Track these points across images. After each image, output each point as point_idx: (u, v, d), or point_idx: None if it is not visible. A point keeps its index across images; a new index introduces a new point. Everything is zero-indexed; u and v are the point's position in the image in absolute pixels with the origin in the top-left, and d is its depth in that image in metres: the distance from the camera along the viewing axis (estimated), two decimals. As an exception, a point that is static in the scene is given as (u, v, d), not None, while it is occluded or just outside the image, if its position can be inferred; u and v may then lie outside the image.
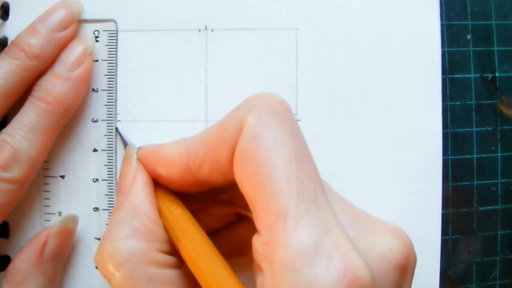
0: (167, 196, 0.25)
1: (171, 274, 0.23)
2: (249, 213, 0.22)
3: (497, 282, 0.30)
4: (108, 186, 0.29)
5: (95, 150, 0.29)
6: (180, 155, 0.23)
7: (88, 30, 0.29)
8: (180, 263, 0.23)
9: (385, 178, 0.29)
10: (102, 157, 0.29)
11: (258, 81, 0.29)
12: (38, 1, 0.28)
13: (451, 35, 0.30)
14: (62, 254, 0.28)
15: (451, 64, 0.30)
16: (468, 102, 0.30)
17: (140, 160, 0.25)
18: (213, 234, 0.26)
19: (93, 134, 0.29)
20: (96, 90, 0.29)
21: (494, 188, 0.31)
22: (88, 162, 0.29)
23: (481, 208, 0.31)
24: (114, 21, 0.29)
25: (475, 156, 0.30)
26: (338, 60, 0.29)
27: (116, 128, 0.29)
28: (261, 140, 0.21)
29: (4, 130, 0.26)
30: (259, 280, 0.20)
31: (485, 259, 0.30)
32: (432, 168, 0.29)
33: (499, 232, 0.31)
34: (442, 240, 0.29)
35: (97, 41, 0.29)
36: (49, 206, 0.29)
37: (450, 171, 0.30)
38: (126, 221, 0.23)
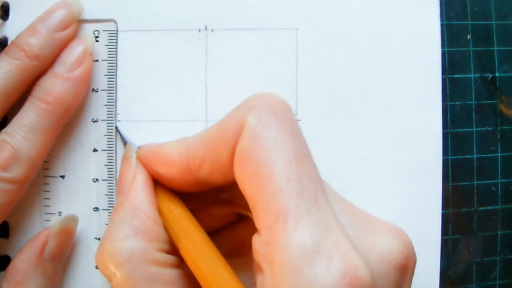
0: (167, 196, 0.25)
1: (172, 274, 0.23)
2: (249, 213, 0.22)
3: (497, 282, 0.30)
4: (108, 186, 0.29)
5: (95, 150, 0.29)
6: (180, 154, 0.23)
7: (88, 30, 0.29)
8: (181, 263, 0.23)
9: (385, 178, 0.29)
10: (102, 157, 0.29)
11: (258, 81, 0.29)
12: (38, 1, 0.28)
13: (451, 35, 0.30)
14: (62, 254, 0.28)
15: (451, 64, 0.30)
16: (468, 102, 0.31)
17: (140, 159, 0.25)
18: (213, 234, 0.26)
19: (93, 134, 0.29)
20: (96, 90, 0.29)
21: (494, 188, 0.31)
22: (88, 162, 0.29)
23: (481, 208, 0.31)
24: (114, 21, 0.29)
25: (475, 156, 0.30)
26: (338, 60, 0.29)
27: (116, 127, 0.29)
28: (261, 140, 0.21)
29: (4, 130, 0.26)
30: (259, 280, 0.20)
31: (485, 259, 0.30)
32: (432, 168, 0.29)
33: (499, 232, 0.31)
34: (442, 240, 0.29)
35: (97, 41, 0.29)
36: (49, 206, 0.29)
37: (450, 171, 0.30)
38: (126, 220, 0.23)
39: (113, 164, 0.29)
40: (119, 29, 0.29)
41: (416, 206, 0.29)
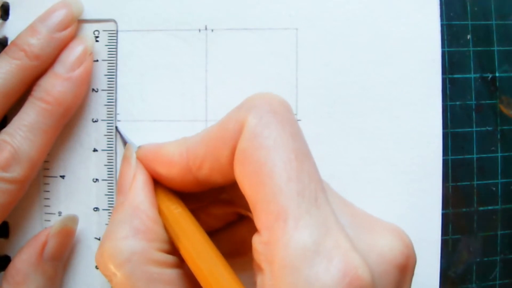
0: (167, 196, 0.25)
1: (172, 274, 0.23)
2: (249, 213, 0.22)
3: (497, 282, 0.30)
4: (108, 186, 0.29)
5: (95, 150, 0.29)
6: (180, 154, 0.23)
7: (88, 30, 0.29)
8: (181, 263, 0.23)
9: (385, 178, 0.29)
10: (102, 157, 0.29)
11: (258, 81, 0.29)
12: (38, 1, 0.28)
13: (451, 35, 0.30)
14: (62, 254, 0.28)
15: (451, 64, 0.30)
16: (468, 102, 0.31)
17: (140, 159, 0.25)
18: (213, 234, 0.26)
19: (93, 134, 0.29)
20: (96, 90, 0.29)
21: (494, 188, 0.31)
22: (88, 162, 0.29)
23: (481, 208, 0.31)
24: (114, 21, 0.29)
25: (475, 156, 0.30)
26: (338, 60, 0.29)
27: (116, 127, 0.29)
28: (261, 140, 0.21)
29: (4, 130, 0.26)
30: (259, 280, 0.20)
31: (485, 259, 0.30)
32: (432, 168, 0.29)
33: (499, 232, 0.31)
34: (442, 240, 0.29)
35: (97, 41, 0.29)
36: (49, 206, 0.29)
37: (450, 171, 0.30)
38: (126, 220, 0.23)
39: (113, 164, 0.29)
40: (119, 29, 0.29)
41: (416, 206, 0.28)
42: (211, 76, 0.29)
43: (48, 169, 0.29)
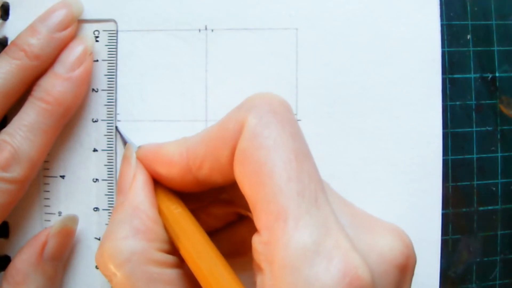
0: (167, 196, 0.25)
1: (172, 274, 0.23)
2: (249, 213, 0.22)
3: (497, 282, 0.30)
4: (108, 186, 0.29)
5: (95, 150, 0.29)
6: (180, 154, 0.23)
7: (88, 30, 0.29)
8: (181, 263, 0.23)
9: (385, 178, 0.29)
10: (102, 157, 0.29)
11: (258, 81, 0.29)
12: (38, 1, 0.28)
13: (451, 35, 0.30)
14: (62, 254, 0.28)
15: (451, 64, 0.30)
16: (468, 102, 0.31)
17: (140, 159, 0.25)
18: (213, 234, 0.26)
19: (93, 134, 0.29)
20: (96, 90, 0.29)
21: (494, 188, 0.31)
22: (88, 162, 0.29)
23: (481, 208, 0.31)
24: (114, 21, 0.29)
25: (475, 156, 0.30)
26: (338, 60, 0.29)
27: (116, 127, 0.29)
28: (261, 140, 0.21)
29: (4, 130, 0.26)
30: (259, 280, 0.20)
31: (485, 259, 0.30)
32: (432, 168, 0.29)
33: (499, 232, 0.31)
34: (442, 240, 0.29)
35: (97, 41, 0.29)
36: (49, 206, 0.29)
37: (450, 171, 0.30)
38: (126, 220, 0.23)
39: (113, 164, 0.29)
40: (119, 29, 0.29)
41: (416, 206, 0.29)
42: (211, 76, 0.29)
43: (48, 169, 0.29)
